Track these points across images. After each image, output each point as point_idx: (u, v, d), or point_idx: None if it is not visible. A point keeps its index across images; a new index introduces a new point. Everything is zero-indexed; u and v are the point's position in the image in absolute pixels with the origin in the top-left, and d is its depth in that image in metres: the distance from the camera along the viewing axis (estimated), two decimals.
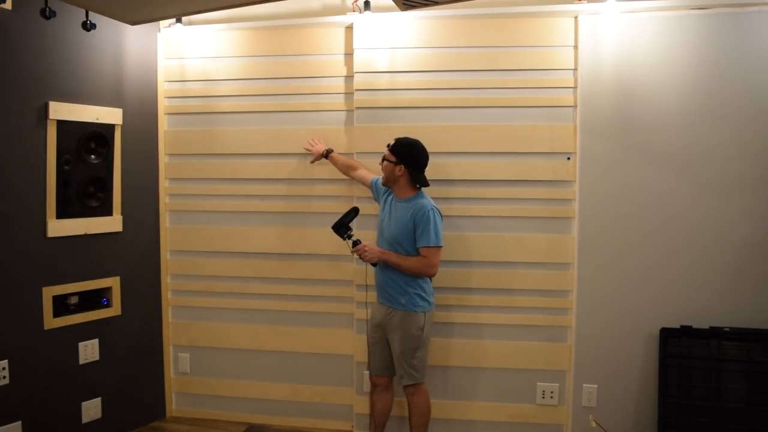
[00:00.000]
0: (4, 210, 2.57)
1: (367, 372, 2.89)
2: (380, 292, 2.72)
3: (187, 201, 3.29)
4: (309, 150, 3.05)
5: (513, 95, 2.88)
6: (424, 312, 2.64)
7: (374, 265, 2.66)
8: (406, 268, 2.60)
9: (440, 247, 2.59)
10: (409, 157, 2.62)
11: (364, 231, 2.85)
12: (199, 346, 3.32)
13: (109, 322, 3.00)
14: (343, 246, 2.89)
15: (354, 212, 2.72)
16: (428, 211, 2.56)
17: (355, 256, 2.68)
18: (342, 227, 2.68)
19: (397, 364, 2.68)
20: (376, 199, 2.87)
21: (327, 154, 3.00)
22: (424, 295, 2.64)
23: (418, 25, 2.93)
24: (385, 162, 2.64)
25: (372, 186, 2.87)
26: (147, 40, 3.15)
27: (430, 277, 2.66)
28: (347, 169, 2.97)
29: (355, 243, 2.64)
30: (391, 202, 2.71)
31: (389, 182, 2.68)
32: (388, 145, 2.66)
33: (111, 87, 2.95)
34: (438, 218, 2.60)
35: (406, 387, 2.69)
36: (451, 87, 2.92)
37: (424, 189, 2.71)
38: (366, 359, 2.85)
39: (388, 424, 2.86)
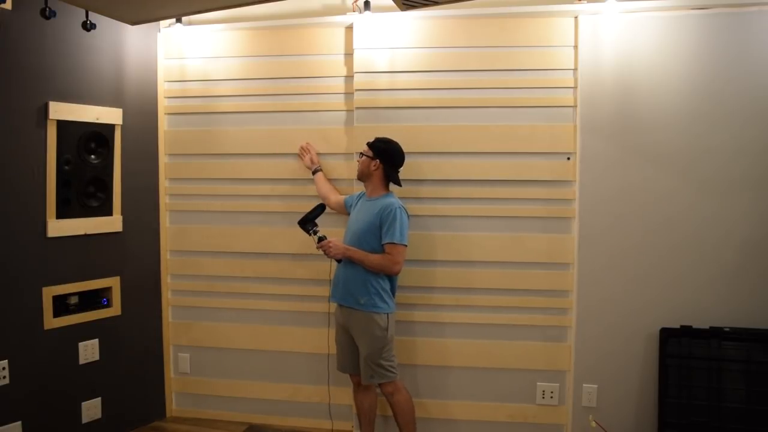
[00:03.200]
0: (4, 210, 2.57)
1: (340, 371, 2.89)
2: (339, 291, 2.74)
3: (187, 201, 3.29)
4: (305, 149, 3.06)
5: (513, 95, 2.88)
6: (387, 313, 2.65)
7: (338, 261, 2.71)
8: (369, 264, 2.61)
9: (405, 245, 2.61)
10: (385, 154, 2.71)
11: (334, 229, 2.88)
12: (199, 346, 3.32)
13: (109, 322, 3.00)
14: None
15: (320, 208, 2.80)
16: (396, 209, 2.60)
17: (320, 251, 2.73)
18: (308, 222, 2.75)
19: (364, 365, 2.67)
20: (350, 212, 2.89)
21: (315, 171, 3.03)
22: (384, 296, 2.65)
23: (418, 25, 2.93)
24: (363, 157, 2.73)
25: (346, 204, 2.92)
26: (147, 40, 3.15)
27: (394, 274, 2.66)
28: (327, 194, 2.99)
29: (321, 239, 2.70)
30: (361, 202, 2.78)
31: (363, 177, 2.76)
32: (367, 142, 2.76)
33: (111, 87, 2.96)
34: (404, 217, 2.63)
35: (383, 387, 2.70)
36: (451, 87, 2.92)
37: (394, 190, 2.77)
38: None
39: (377, 423, 2.88)
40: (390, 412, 2.83)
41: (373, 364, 2.64)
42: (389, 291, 2.68)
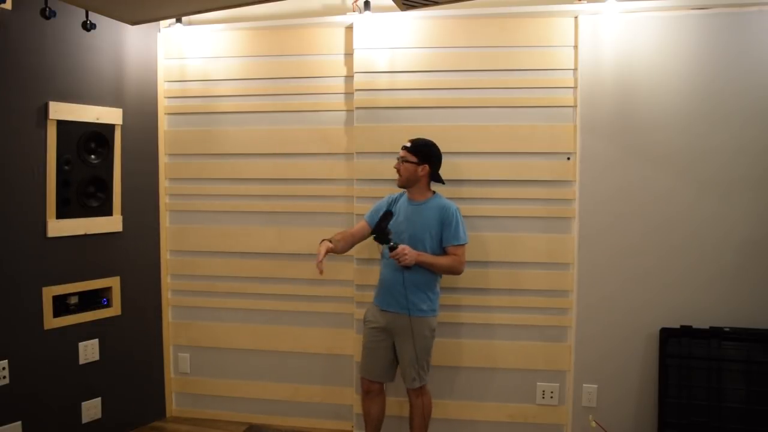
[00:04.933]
0: (4, 210, 2.57)
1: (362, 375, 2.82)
2: (398, 299, 2.62)
3: (187, 201, 3.29)
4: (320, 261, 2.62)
5: (513, 95, 2.88)
6: (437, 315, 2.68)
7: (407, 268, 2.56)
8: (439, 267, 2.61)
9: (466, 244, 2.64)
10: (430, 156, 2.65)
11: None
12: (199, 346, 3.32)
13: (109, 322, 3.00)
14: None
15: (390, 215, 2.61)
16: (455, 211, 2.62)
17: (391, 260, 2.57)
18: (383, 233, 2.53)
19: (409, 369, 2.64)
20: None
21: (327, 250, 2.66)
22: (437, 299, 2.69)
23: (418, 25, 2.93)
24: (406, 164, 2.63)
25: (370, 222, 2.73)
26: (147, 40, 3.15)
27: (459, 273, 2.67)
28: (346, 244, 2.73)
29: (393, 247, 2.51)
30: (406, 206, 2.68)
31: (409, 183, 2.66)
32: (405, 147, 2.65)
33: (111, 87, 2.95)
34: (461, 217, 2.64)
35: (413, 389, 2.68)
36: (451, 87, 2.92)
37: (438, 189, 2.72)
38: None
39: (384, 424, 2.85)
40: (390, 413, 2.83)
41: (417, 367, 2.62)
42: (439, 294, 2.71)
